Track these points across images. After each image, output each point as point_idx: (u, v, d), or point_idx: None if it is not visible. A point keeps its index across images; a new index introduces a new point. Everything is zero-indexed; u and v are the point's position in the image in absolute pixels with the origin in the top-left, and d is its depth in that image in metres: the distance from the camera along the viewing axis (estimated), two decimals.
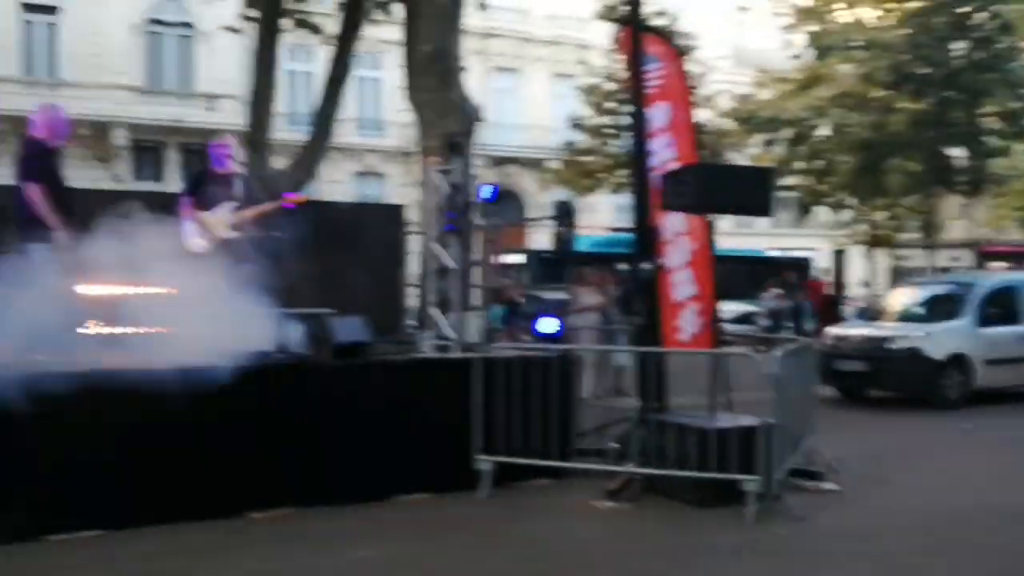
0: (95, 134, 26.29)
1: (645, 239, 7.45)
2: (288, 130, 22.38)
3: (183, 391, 5.98)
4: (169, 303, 7.92)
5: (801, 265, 27.54)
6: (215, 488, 6.22)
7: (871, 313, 15.56)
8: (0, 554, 5.40)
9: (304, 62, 27.56)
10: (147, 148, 27.88)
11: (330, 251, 10.35)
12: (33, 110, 7.38)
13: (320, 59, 19.20)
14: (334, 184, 27.78)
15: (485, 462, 7.09)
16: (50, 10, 26.87)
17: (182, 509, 6.09)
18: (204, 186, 7.87)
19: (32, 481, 5.73)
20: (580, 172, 27.81)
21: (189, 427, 6.16)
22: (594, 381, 11.02)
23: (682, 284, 8.28)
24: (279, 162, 18.39)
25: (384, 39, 28.46)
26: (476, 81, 32.23)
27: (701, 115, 22.75)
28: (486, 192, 8.98)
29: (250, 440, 6.40)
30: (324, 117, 17.85)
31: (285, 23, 18.09)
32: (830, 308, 22.22)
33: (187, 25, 28.46)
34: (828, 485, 7.30)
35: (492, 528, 6.39)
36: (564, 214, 8.35)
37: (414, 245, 10.20)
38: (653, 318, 7.49)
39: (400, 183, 30.05)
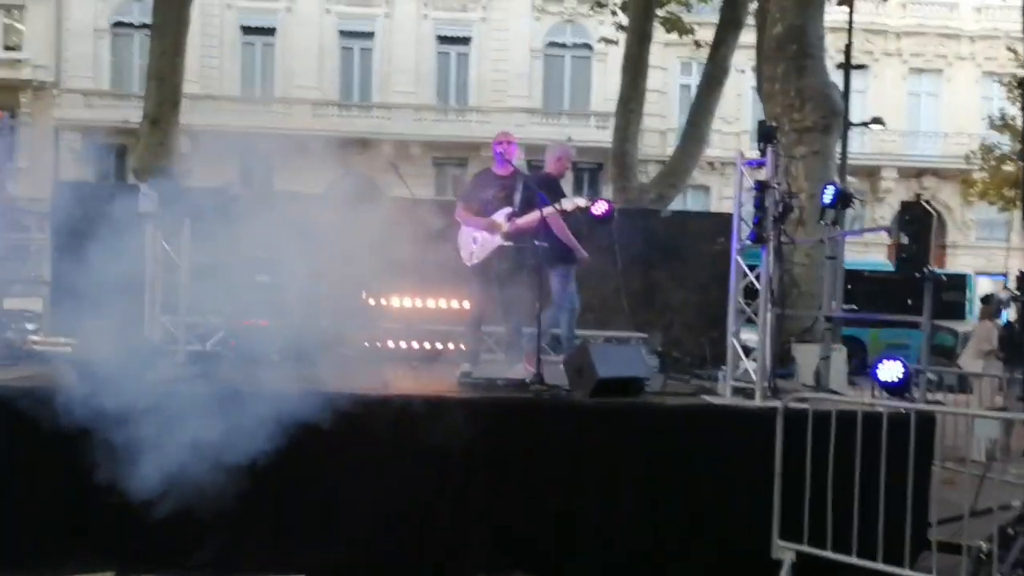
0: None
1: None
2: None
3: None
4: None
5: None
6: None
7: None
8: None
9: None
10: (541, 168, 28.51)
11: (647, 265, 9.05)
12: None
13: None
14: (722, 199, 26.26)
15: (786, 550, 5.30)
16: (463, 41, 28.67)
17: None
18: (481, 190, 6.99)
19: None
20: (1004, 182, 23.19)
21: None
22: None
23: None
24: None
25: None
26: (891, 85, 28.81)
27: None
28: (828, 195, 7.08)
29: (471, 489, 5.32)
30: (694, 127, 16.58)
31: (656, 29, 17.25)
32: None
33: (585, 46, 28.78)
34: None
35: None
36: (915, 221, 6.18)
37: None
38: None
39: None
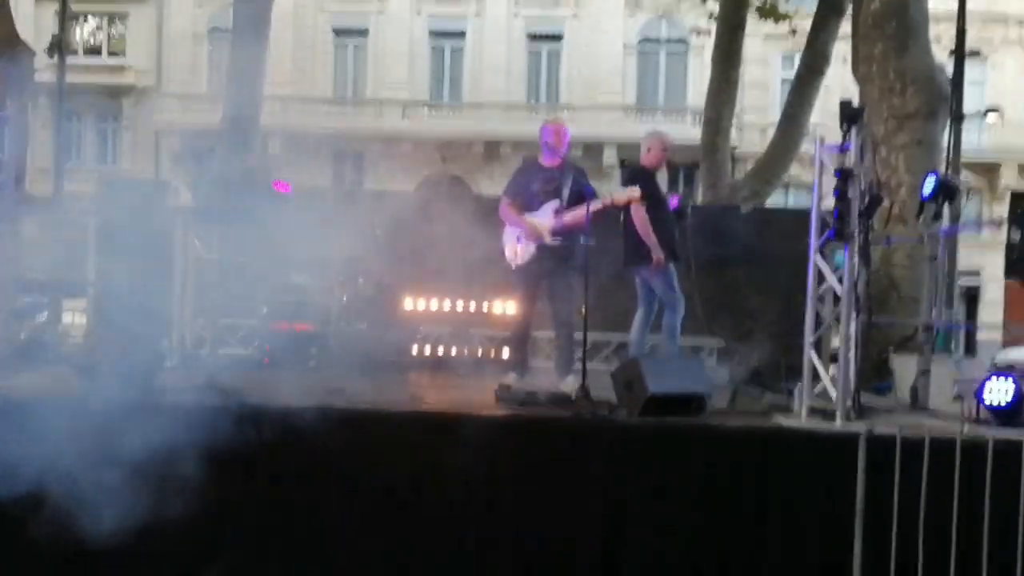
0: (588, 154, 26.79)
1: None
2: None
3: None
4: None
5: None
6: None
7: None
8: None
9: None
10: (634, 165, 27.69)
11: (724, 266, 8.22)
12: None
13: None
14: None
15: None
16: (555, 39, 28.05)
17: None
18: (527, 182, 6.35)
19: None
20: None
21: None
22: None
23: None
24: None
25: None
26: (1011, 76, 26.74)
27: None
28: (928, 187, 6.20)
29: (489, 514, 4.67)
30: (791, 119, 15.50)
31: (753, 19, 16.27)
32: None
33: (680, 41, 27.77)
34: None
35: None
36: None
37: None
38: None
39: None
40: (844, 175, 5.09)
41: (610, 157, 27.14)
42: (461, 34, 28.01)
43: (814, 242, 5.39)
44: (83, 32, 28.29)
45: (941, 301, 6.13)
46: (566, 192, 6.17)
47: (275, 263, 6.88)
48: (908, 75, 8.33)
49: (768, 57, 26.21)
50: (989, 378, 4.96)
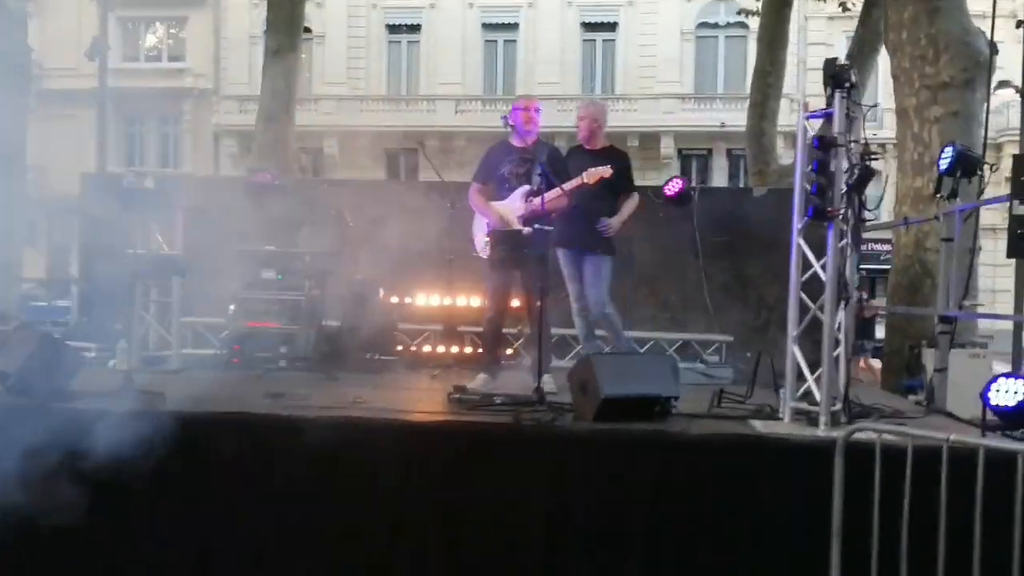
0: (644, 144, 26.08)
1: None
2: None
3: None
4: None
5: None
6: None
7: None
8: None
9: None
10: (693, 155, 26.85)
11: (736, 254, 7.61)
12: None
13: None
14: None
15: None
16: (610, 27, 27.36)
17: None
18: (496, 165, 5.85)
19: None
20: None
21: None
22: None
23: None
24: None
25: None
26: None
27: None
28: (945, 160, 5.53)
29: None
30: None
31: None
32: None
33: (740, 25, 26.74)
34: None
35: None
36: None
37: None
38: None
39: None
40: (824, 144, 4.46)
41: (667, 147, 26.36)
42: (514, 26, 27.56)
43: (796, 222, 4.78)
44: (145, 38, 28.78)
45: (957, 290, 5.41)
46: (537, 176, 5.66)
47: (243, 258, 6.54)
48: (941, 41, 7.54)
49: (832, 39, 25.04)
50: (996, 378, 4.28)
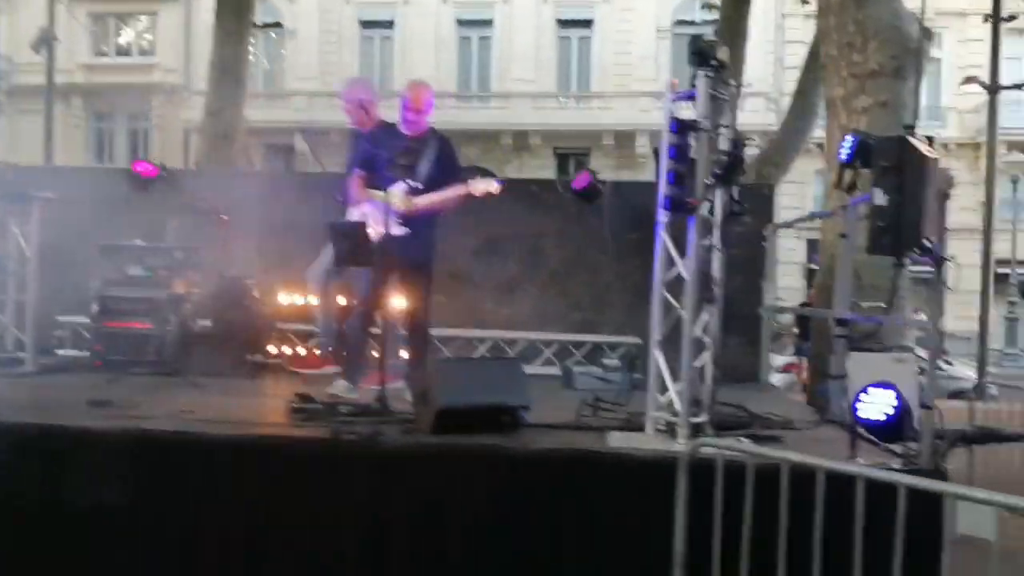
0: (620, 142, 25.68)
1: None
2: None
3: None
4: None
5: None
6: None
7: None
8: None
9: None
10: None
11: (649, 251, 7.15)
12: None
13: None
14: None
15: None
16: (585, 24, 26.94)
17: None
18: (377, 150, 5.34)
19: None
20: None
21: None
22: None
23: None
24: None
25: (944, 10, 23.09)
26: None
27: None
28: (845, 149, 5.09)
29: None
30: (803, 97, 14.17)
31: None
32: None
33: (717, 22, 26.34)
34: None
35: None
36: (900, 168, 4.07)
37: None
38: None
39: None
40: (682, 128, 4.04)
41: (643, 146, 25.85)
42: (488, 22, 27.14)
43: (662, 216, 4.35)
44: (116, 35, 28.32)
45: (845, 290, 4.97)
46: (424, 169, 5.18)
47: (108, 253, 6.10)
48: (870, 27, 7.12)
49: (808, 36, 24.59)
50: (865, 389, 3.85)
